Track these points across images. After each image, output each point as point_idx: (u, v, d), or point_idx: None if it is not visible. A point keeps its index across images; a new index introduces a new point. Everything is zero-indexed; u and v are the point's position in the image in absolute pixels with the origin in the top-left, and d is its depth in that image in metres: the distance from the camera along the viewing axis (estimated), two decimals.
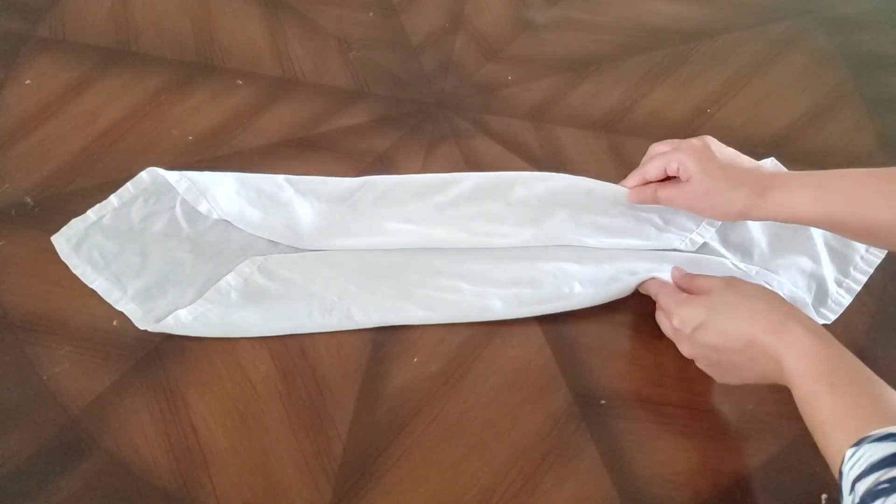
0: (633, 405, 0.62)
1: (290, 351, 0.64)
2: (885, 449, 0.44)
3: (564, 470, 0.58)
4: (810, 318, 0.55)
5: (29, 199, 0.72)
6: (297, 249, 0.69)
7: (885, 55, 0.85)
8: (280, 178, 0.72)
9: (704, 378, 0.61)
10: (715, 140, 0.66)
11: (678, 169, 0.64)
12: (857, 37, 0.87)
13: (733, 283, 0.59)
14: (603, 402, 0.62)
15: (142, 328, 0.64)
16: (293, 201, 0.71)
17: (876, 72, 0.84)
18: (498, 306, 0.65)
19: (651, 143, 0.69)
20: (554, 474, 0.58)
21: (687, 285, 0.63)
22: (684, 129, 0.78)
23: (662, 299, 0.63)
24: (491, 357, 0.64)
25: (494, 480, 0.58)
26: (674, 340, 0.61)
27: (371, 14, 0.89)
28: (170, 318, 0.64)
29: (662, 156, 0.66)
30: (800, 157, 0.72)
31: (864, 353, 0.65)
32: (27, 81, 0.81)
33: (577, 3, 0.91)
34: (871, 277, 0.68)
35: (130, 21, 0.87)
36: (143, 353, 0.63)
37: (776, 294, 0.59)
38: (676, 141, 0.67)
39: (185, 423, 0.60)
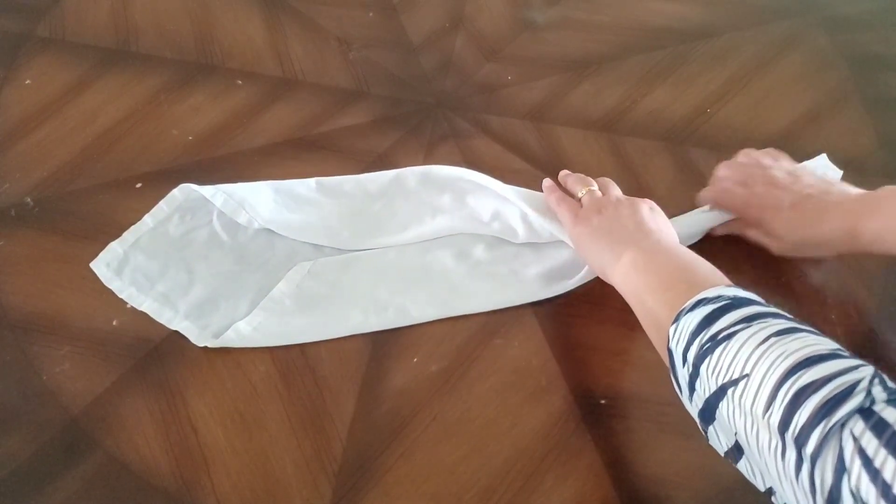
0: (633, 405, 0.62)
1: (290, 351, 0.64)
2: (699, 314, 0.47)
3: (564, 470, 0.58)
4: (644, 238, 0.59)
5: (29, 199, 0.72)
6: (340, 251, 0.69)
7: (885, 55, 0.85)
8: (311, 182, 0.72)
9: None
10: (777, 160, 0.67)
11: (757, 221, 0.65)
12: (857, 37, 0.87)
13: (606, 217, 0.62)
14: (603, 401, 0.62)
15: (200, 345, 0.62)
16: (328, 203, 0.71)
17: (876, 72, 0.84)
18: (536, 285, 0.66)
19: (651, 143, 0.69)
20: (554, 474, 0.58)
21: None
22: (684, 129, 0.78)
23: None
24: (491, 357, 0.64)
25: (494, 480, 0.58)
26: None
27: (371, 14, 0.89)
28: (230, 332, 0.63)
29: (725, 192, 0.67)
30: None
31: (865, 353, 0.65)
32: (27, 81, 0.81)
33: (577, 3, 0.91)
34: (871, 276, 0.68)
35: (130, 21, 0.87)
36: (142, 353, 0.63)
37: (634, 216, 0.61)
38: (739, 166, 0.68)
39: (185, 423, 0.60)
